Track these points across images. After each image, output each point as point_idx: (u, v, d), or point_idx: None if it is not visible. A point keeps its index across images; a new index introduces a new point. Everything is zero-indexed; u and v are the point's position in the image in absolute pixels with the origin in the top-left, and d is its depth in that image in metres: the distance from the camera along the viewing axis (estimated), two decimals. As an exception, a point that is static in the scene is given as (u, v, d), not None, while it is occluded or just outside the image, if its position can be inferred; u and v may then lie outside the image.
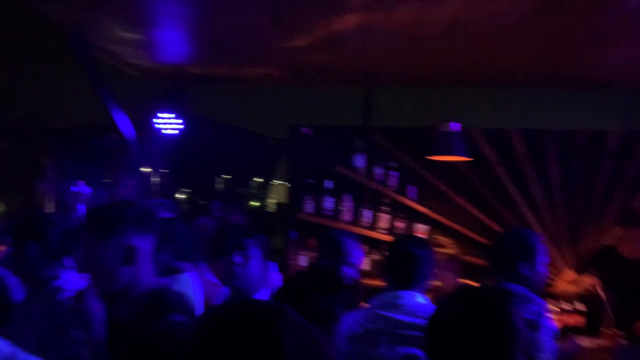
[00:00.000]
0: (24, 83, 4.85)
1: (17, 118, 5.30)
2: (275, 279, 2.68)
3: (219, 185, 6.86)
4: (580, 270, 4.22)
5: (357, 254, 2.51)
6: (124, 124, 4.42)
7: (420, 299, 2.16)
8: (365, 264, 4.10)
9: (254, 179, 6.83)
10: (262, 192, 6.71)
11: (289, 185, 4.81)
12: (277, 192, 6.12)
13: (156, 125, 4.61)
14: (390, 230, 4.47)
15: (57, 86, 4.84)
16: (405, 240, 2.44)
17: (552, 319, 2.25)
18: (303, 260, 4.25)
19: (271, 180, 6.38)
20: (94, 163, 6.23)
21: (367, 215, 4.48)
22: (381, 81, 4.81)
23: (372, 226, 4.48)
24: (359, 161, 4.51)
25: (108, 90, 4.23)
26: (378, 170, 4.49)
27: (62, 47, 4.01)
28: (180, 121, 4.60)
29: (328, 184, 4.47)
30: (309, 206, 4.49)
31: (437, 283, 3.41)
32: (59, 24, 3.78)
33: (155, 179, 5.66)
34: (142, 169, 5.10)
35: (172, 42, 3.96)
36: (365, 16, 2.93)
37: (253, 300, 0.97)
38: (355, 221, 4.49)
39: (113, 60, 4.32)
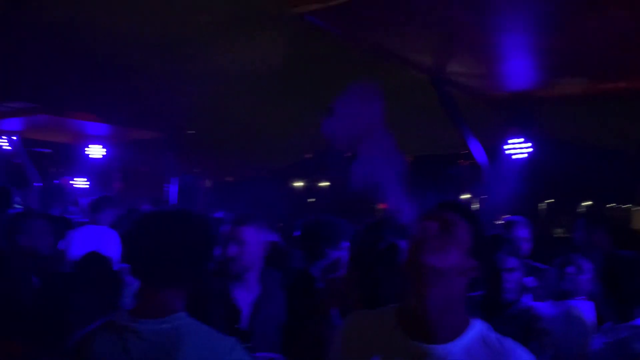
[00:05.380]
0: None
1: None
2: None
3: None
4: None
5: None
6: (478, 152, 4.54)
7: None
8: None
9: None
10: None
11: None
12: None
13: (506, 152, 4.61)
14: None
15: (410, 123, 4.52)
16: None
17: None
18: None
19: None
20: (447, 189, 5.97)
21: None
22: None
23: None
24: None
25: (463, 122, 4.32)
26: None
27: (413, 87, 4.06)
28: (529, 145, 4.61)
29: None
30: None
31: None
32: (417, 66, 3.91)
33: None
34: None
35: (519, 70, 4.06)
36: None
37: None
38: None
39: (465, 94, 4.42)
